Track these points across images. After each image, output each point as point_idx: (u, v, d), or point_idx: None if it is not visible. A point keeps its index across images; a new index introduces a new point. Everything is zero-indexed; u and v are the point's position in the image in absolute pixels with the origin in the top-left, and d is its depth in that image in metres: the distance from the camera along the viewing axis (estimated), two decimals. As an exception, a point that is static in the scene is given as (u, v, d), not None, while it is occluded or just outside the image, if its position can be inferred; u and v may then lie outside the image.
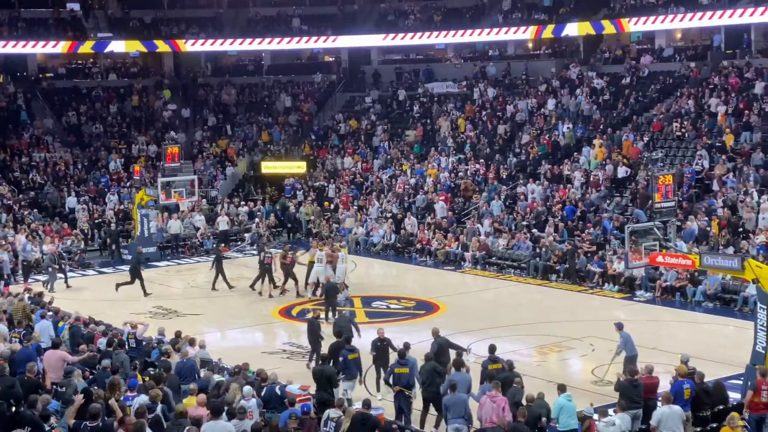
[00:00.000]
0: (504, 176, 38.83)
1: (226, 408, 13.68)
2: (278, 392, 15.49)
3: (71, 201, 40.37)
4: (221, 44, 50.91)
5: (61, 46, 48.01)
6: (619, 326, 19.20)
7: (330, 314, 25.13)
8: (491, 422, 14.89)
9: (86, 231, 37.66)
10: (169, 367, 17.01)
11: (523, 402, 15.29)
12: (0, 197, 39.49)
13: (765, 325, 17.73)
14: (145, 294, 29.66)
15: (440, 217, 37.00)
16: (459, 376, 16.36)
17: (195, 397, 14.57)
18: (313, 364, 20.42)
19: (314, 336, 20.79)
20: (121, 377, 15.78)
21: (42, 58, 51.68)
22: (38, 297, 24.63)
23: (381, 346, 18.94)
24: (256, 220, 39.47)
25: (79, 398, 13.95)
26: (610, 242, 30.89)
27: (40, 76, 50.93)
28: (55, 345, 17.92)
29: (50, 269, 31.49)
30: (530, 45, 50.55)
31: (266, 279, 29.58)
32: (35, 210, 39.25)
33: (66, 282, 31.64)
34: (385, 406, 17.17)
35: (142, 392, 14.86)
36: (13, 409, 13.16)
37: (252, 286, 30.03)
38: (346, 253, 29.98)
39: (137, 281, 29.77)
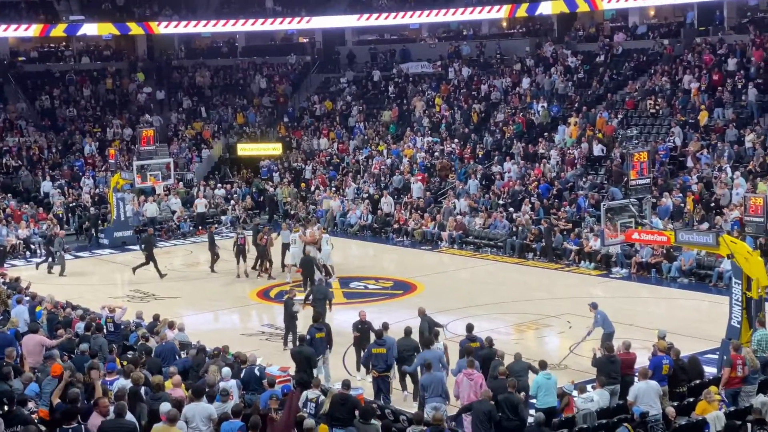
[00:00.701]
0: (480, 155, 38.90)
1: (207, 390, 13.71)
2: (258, 374, 15.52)
3: (46, 185, 40.13)
4: (195, 26, 50.57)
5: (33, 30, 47.61)
6: (593, 306, 19.33)
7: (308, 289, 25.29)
8: (469, 399, 15.01)
9: (61, 215, 37.43)
10: (150, 350, 17.02)
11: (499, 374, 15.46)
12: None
13: (740, 299, 17.91)
14: (161, 276, 29.67)
15: (417, 197, 37.05)
16: (430, 354, 16.49)
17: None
18: (290, 345, 20.44)
19: (289, 316, 20.82)
20: (99, 361, 15.77)
21: (14, 42, 51.29)
22: (15, 282, 24.49)
23: (363, 329, 18.94)
24: (232, 202, 39.35)
25: (66, 375, 13.95)
26: (585, 219, 31.05)
27: (13, 60, 50.49)
28: (33, 330, 17.85)
29: (59, 253, 31.02)
30: (504, 24, 50.56)
31: (241, 260, 29.64)
32: (9, 195, 39.00)
33: (50, 267, 31.42)
34: (365, 386, 17.24)
35: (122, 376, 14.86)
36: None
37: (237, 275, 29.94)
38: (328, 235, 29.87)
39: (152, 263, 29.84)
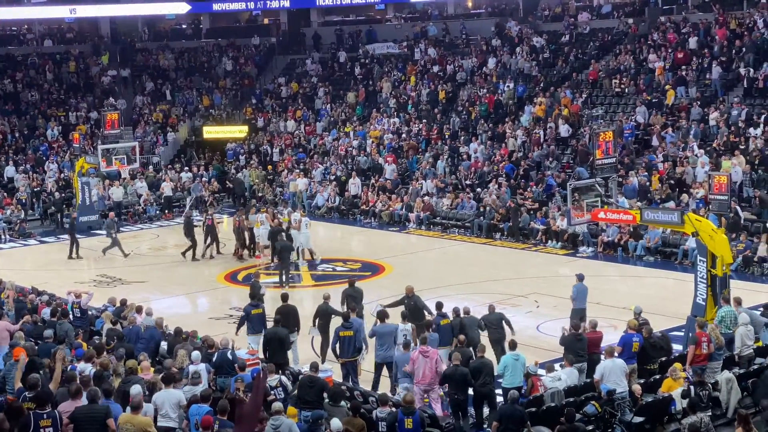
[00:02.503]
0: (447, 136, 38.91)
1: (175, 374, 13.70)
2: (230, 357, 15.47)
3: (9, 170, 39.72)
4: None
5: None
6: (580, 277, 19.45)
7: (284, 276, 25.41)
8: (424, 376, 15.11)
9: (24, 201, 37.07)
10: (121, 335, 16.94)
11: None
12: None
13: (705, 277, 18.09)
14: (125, 255, 29.95)
15: (389, 178, 37.02)
16: (382, 328, 16.83)
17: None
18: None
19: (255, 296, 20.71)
20: (66, 347, 15.68)
21: (-26, 26, 50.65)
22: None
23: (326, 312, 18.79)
24: (199, 185, 39.12)
25: (22, 360, 13.87)
26: (555, 197, 31.18)
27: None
28: (-1, 316, 17.73)
29: (113, 234, 30.48)
30: (470, 4, 50.54)
31: (209, 241, 29.72)
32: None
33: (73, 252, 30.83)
34: (333, 368, 17.25)
35: (85, 361, 14.78)
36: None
37: (201, 254, 29.84)
38: (308, 219, 29.70)
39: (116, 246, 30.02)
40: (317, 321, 18.75)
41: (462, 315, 17.46)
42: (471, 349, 15.92)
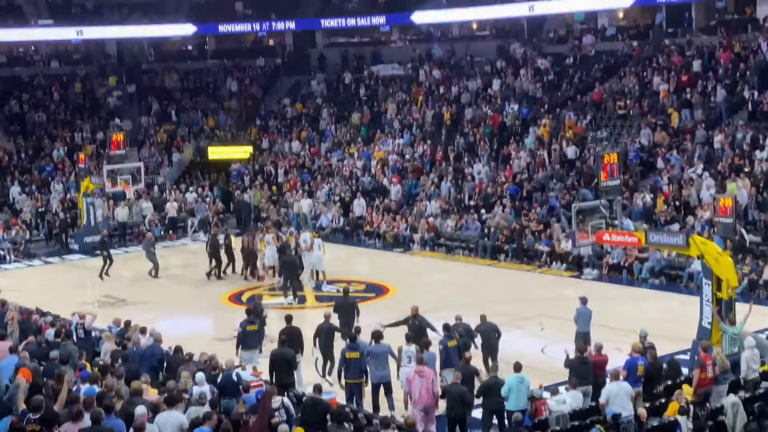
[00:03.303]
0: (451, 157, 38.93)
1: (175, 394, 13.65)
2: (234, 378, 15.44)
3: (15, 191, 39.77)
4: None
5: (2, 35, 47.42)
6: (583, 300, 19.43)
7: (290, 292, 25.87)
8: (421, 397, 15.09)
9: (29, 221, 37.07)
10: (126, 356, 16.91)
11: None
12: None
13: (710, 300, 18.03)
14: (101, 277, 29.81)
15: (394, 199, 37.05)
16: (376, 348, 16.85)
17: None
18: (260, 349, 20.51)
19: (259, 320, 20.73)
20: (70, 368, 15.63)
21: (-20, 47, 50.84)
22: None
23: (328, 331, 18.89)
24: (203, 206, 39.12)
25: (23, 384, 13.82)
26: (560, 219, 31.14)
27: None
28: (2, 337, 17.68)
29: (153, 253, 30.56)
30: (474, 26, 50.69)
31: (213, 261, 29.92)
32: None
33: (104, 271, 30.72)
34: (336, 390, 17.21)
35: (89, 383, 14.73)
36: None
37: (217, 273, 29.95)
38: (321, 240, 29.49)
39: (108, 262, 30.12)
40: (317, 340, 18.81)
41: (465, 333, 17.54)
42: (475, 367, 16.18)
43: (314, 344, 18.84)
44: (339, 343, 18.28)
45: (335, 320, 19.47)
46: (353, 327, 18.73)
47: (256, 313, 20.46)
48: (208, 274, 29.90)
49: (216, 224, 36.79)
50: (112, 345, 18.08)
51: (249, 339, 18.91)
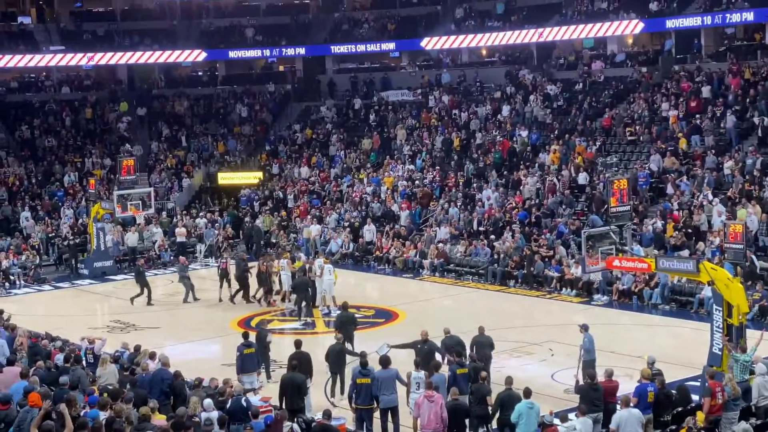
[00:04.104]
0: (461, 183, 38.95)
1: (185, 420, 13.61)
2: (244, 404, 15.40)
3: (24, 216, 39.86)
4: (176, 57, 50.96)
5: (14, 61, 47.78)
6: (584, 327, 19.36)
7: (303, 312, 26.52)
8: (429, 422, 15.08)
9: (37, 246, 37.15)
10: (134, 381, 16.88)
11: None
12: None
13: (721, 326, 17.95)
14: (149, 303, 29.92)
15: (404, 225, 37.06)
16: (383, 373, 16.77)
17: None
18: (263, 375, 20.66)
19: (262, 347, 20.76)
20: (79, 393, 15.61)
21: (-7, 72, 51.20)
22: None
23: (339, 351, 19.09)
24: (213, 231, 39.13)
25: (37, 410, 13.81)
26: (569, 245, 31.10)
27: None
28: (11, 362, 17.69)
29: (186, 278, 30.59)
30: (483, 52, 50.89)
31: (225, 284, 30.05)
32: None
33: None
34: (345, 414, 17.16)
35: (98, 408, 14.70)
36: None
37: (237, 298, 29.94)
38: (331, 266, 29.41)
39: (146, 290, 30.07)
40: (328, 360, 19.06)
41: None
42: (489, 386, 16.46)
43: (327, 362, 19.29)
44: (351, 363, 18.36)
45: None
46: (353, 340, 19.92)
47: (258, 339, 20.59)
48: (231, 298, 29.92)
49: (225, 249, 36.82)
50: (107, 368, 18.01)
51: (247, 362, 19.44)
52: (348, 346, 20.15)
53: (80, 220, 39.44)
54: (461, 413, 15.80)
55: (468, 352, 18.93)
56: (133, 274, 30.99)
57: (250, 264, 30.47)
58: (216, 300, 30.22)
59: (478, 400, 16.21)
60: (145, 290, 30.02)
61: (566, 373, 19.69)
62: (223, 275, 30.18)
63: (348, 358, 19.18)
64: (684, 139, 34.98)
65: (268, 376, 20.78)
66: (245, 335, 20.43)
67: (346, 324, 21.72)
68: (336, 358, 18.94)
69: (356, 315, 25.16)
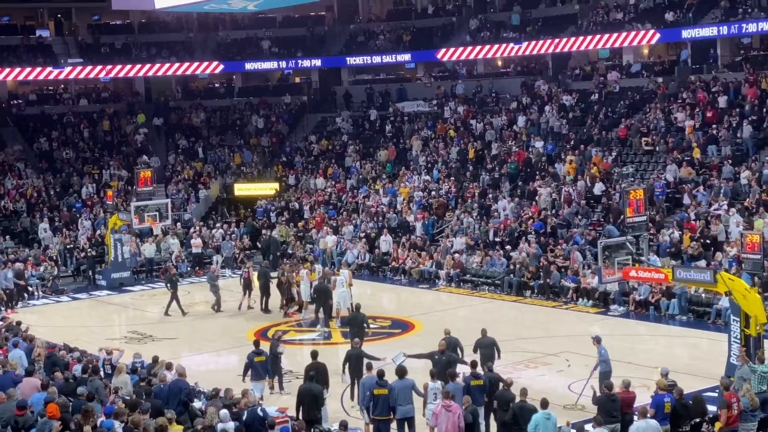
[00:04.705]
0: (476, 193, 38.94)
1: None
2: (260, 414, 15.43)
3: (43, 227, 40.07)
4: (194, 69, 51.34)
5: (34, 74, 48.18)
6: (597, 339, 19.32)
7: (321, 319, 26.71)
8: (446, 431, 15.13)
9: (55, 257, 37.32)
10: (150, 392, 16.93)
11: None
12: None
13: (738, 337, 17.91)
14: (183, 313, 30.09)
15: (419, 235, 37.08)
16: (400, 383, 16.78)
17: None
18: (276, 386, 20.79)
19: (273, 357, 20.80)
20: (97, 404, 15.68)
21: (13, 85, 51.55)
22: (16, 326, 24.34)
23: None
24: (230, 243, 39.21)
25: (56, 425, 13.89)
26: (585, 255, 31.04)
27: (11, 102, 50.69)
28: (29, 373, 17.79)
29: (216, 286, 30.68)
30: (499, 63, 50.93)
31: (247, 293, 30.33)
32: (7, 237, 39.00)
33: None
34: (362, 426, 17.17)
35: (114, 418, 14.77)
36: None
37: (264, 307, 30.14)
38: (346, 276, 29.28)
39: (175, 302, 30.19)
40: (347, 365, 19.27)
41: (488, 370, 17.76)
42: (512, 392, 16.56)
43: (343, 371, 19.42)
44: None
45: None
46: (363, 340, 20.33)
47: (271, 350, 20.73)
48: (264, 309, 30.07)
49: (242, 260, 36.95)
50: (121, 377, 18.10)
51: (257, 370, 19.77)
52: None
53: (98, 232, 39.61)
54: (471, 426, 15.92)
55: (460, 355, 19.43)
56: (166, 283, 31.00)
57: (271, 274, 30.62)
58: (234, 309, 30.30)
59: (503, 407, 16.23)
60: (175, 300, 30.09)
61: (584, 384, 19.60)
62: (247, 285, 30.42)
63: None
64: (698, 149, 34.91)
65: (281, 388, 20.82)
66: (256, 343, 20.75)
67: (356, 324, 22.17)
68: (355, 363, 19.06)
69: (372, 325, 25.33)
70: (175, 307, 30.10)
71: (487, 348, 19.89)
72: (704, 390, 18.83)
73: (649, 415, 15.06)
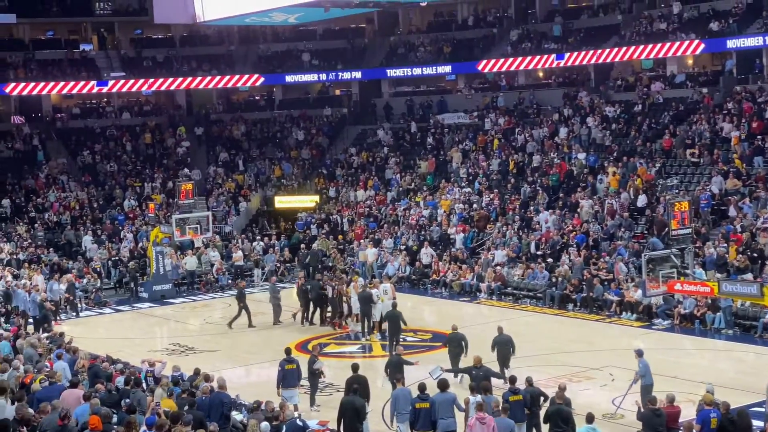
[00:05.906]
0: (518, 206, 38.73)
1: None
2: (299, 423, 15.37)
3: (87, 240, 40.43)
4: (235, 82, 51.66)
5: (77, 88, 48.74)
6: (639, 353, 19.08)
7: (366, 327, 27.52)
8: None
9: (98, 269, 37.58)
10: (193, 404, 16.92)
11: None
12: (18, 237, 39.72)
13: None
14: (251, 325, 30.16)
15: (459, 248, 36.92)
16: (441, 397, 16.65)
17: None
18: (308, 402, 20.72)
19: (311, 373, 20.75)
20: (139, 415, 15.70)
21: (56, 99, 52.16)
22: (59, 337, 24.53)
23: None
24: (272, 255, 39.26)
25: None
26: (629, 268, 30.71)
27: (55, 116, 51.29)
28: (74, 384, 17.86)
29: (278, 299, 30.81)
30: (540, 74, 50.70)
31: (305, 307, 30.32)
32: (51, 249, 39.35)
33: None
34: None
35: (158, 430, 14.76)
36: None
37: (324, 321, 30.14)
38: (388, 289, 29.10)
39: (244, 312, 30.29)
40: (388, 370, 19.75)
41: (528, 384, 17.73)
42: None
43: (386, 374, 19.95)
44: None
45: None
46: (460, 360, 21.36)
47: (309, 365, 20.68)
48: (306, 320, 30.12)
49: (282, 273, 36.98)
50: (158, 390, 18.09)
51: (288, 378, 19.82)
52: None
53: (140, 244, 39.85)
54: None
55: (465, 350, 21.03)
56: (235, 295, 31.06)
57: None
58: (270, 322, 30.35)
59: (557, 424, 16.00)
60: (245, 312, 30.13)
61: (628, 398, 19.34)
62: (303, 295, 30.20)
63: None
64: (738, 160, 34.49)
65: (312, 402, 20.70)
66: (287, 351, 20.68)
67: (455, 344, 22.30)
68: (394, 370, 19.21)
69: (412, 338, 25.19)
70: (238, 321, 30.16)
71: (504, 346, 20.77)
72: (750, 405, 18.54)
73: (695, 431, 14.81)
